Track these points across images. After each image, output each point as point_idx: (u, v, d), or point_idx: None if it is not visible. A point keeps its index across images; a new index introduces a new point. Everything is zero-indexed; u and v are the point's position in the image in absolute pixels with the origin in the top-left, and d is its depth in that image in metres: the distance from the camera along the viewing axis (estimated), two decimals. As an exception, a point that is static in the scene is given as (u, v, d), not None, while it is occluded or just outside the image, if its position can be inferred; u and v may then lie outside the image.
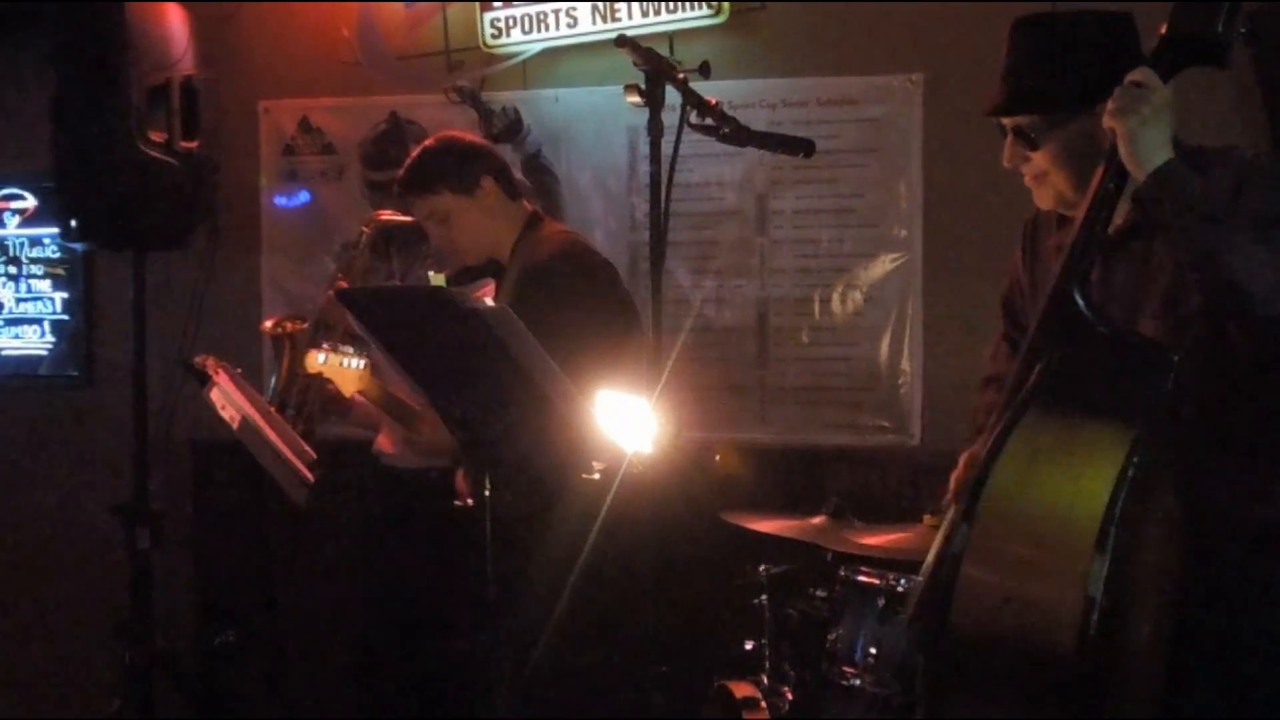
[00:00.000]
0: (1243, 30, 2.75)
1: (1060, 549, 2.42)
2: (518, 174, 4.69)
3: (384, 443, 4.87)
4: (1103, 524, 2.38)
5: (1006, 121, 3.06)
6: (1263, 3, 2.77)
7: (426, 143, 4.38)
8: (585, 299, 4.07)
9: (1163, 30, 2.77)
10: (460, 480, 4.20)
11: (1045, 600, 2.42)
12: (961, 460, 3.23)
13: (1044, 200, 3.09)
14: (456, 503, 4.00)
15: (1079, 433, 2.54)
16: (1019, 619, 2.43)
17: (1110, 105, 2.73)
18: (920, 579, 2.91)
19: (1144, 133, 2.70)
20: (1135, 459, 2.43)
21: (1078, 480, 2.46)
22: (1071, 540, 2.41)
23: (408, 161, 4.33)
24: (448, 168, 4.24)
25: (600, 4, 5.31)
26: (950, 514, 2.77)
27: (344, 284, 4.77)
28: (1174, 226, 2.70)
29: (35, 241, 6.16)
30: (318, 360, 4.47)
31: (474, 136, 4.51)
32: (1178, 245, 2.73)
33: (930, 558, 2.82)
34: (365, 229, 4.82)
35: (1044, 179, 3.04)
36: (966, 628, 2.48)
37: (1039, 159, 3.02)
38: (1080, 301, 2.72)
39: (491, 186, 4.24)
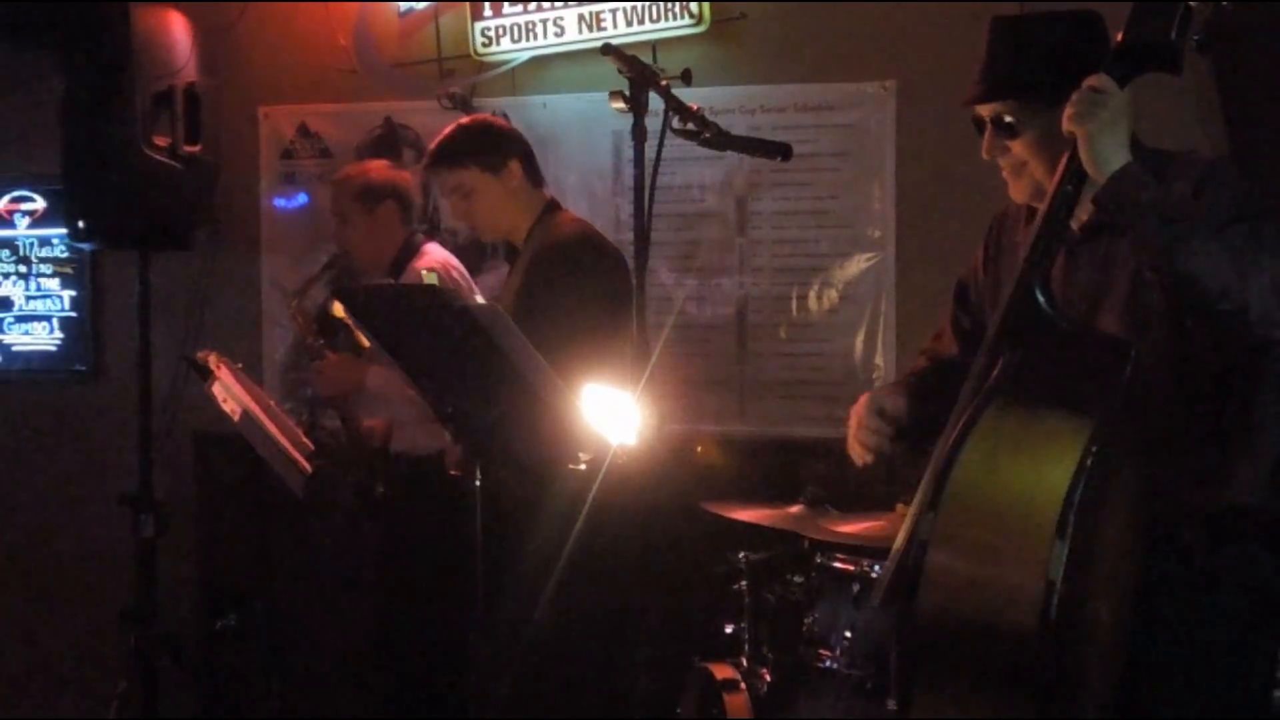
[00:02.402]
0: (1195, 38, 2.74)
1: (1021, 534, 2.42)
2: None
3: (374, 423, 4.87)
4: (1062, 510, 2.38)
5: (985, 113, 3.04)
6: (1219, 5, 2.76)
7: (461, 120, 4.40)
8: (596, 283, 4.08)
9: (1118, 38, 2.77)
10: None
11: (1007, 583, 2.41)
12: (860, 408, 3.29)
13: (1020, 193, 3.06)
14: (454, 473, 3.97)
15: (1039, 423, 2.54)
16: (982, 602, 2.43)
17: (1069, 110, 2.72)
18: (889, 565, 2.91)
19: (1102, 137, 2.69)
20: (1093, 448, 2.43)
21: (1038, 469, 2.46)
22: (1032, 526, 2.40)
23: (440, 136, 4.36)
24: (479, 145, 4.27)
25: (586, 13, 5.30)
26: (916, 502, 2.76)
27: (297, 317, 4.92)
28: (1133, 227, 2.70)
29: (44, 241, 6.14)
30: (341, 309, 4.47)
31: (505, 122, 4.49)
32: (1138, 244, 2.73)
33: (898, 544, 2.81)
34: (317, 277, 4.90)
35: (1022, 170, 3.02)
36: (932, 611, 2.48)
37: (1018, 148, 3.00)
38: (1041, 298, 2.72)
39: (518, 170, 4.27)
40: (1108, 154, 2.69)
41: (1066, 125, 2.73)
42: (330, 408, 4.90)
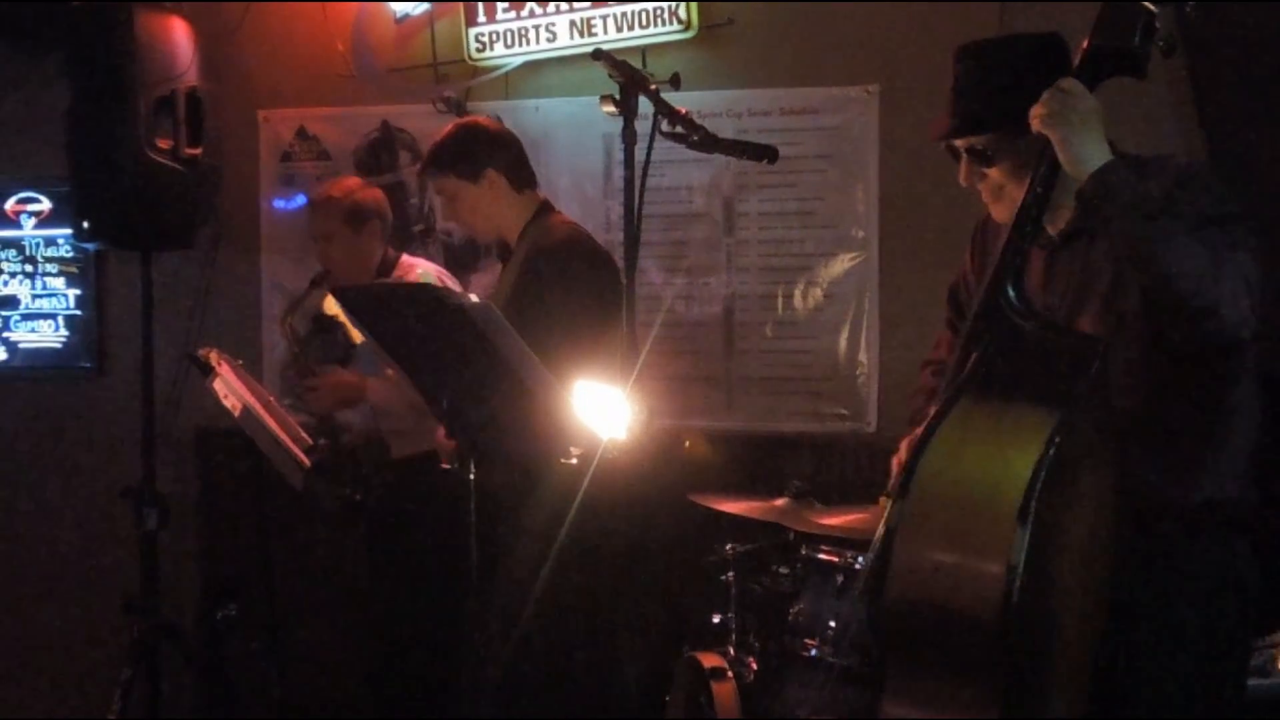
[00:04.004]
0: (1160, 42, 2.74)
1: (985, 521, 2.42)
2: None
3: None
4: (1025, 498, 2.39)
5: (959, 144, 3.03)
6: (1183, 9, 2.76)
7: (451, 126, 4.41)
8: (586, 285, 4.09)
9: (1085, 44, 2.77)
10: (441, 437, 4.12)
11: (971, 568, 2.42)
12: (903, 445, 3.22)
13: (1002, 214, 3.03)
14: (444, 465, 3.95)
15: (1006, 416, 2.55)
16: (947, 586, 2.43)
17: (1040, 111, 2.71)
18: (870, 555, 2.90)
19: (1078, 137, 2.69)
20: (1057, 439, 2.43)
21: (1003, 457, 2.47)
22: (995, 513, 2.41)
23: (435, 139, 4.38)
24: (456, 155, 4.29)
25: (577, 19, 5.29)
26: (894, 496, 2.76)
27: (288, 336, 4.89)
28: (1114, 224, 2.69)
29: (50, 241, 6.14)
30: (335, 303, 4.45)
31: (496, 127, 4.50)
32: (1117, 242, 2.73)
33: (878, 536, 2.80)
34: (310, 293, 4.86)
35: (1000, 193, 3.01)
36: (900, 596, 2.49)
37: (995, 175, 2.99)
38: (1012, 296, 2.71)
39: (496, 178, 4.28)
40: (1086, 153, 2.69)
41: (1037, 126, 2.72)
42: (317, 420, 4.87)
